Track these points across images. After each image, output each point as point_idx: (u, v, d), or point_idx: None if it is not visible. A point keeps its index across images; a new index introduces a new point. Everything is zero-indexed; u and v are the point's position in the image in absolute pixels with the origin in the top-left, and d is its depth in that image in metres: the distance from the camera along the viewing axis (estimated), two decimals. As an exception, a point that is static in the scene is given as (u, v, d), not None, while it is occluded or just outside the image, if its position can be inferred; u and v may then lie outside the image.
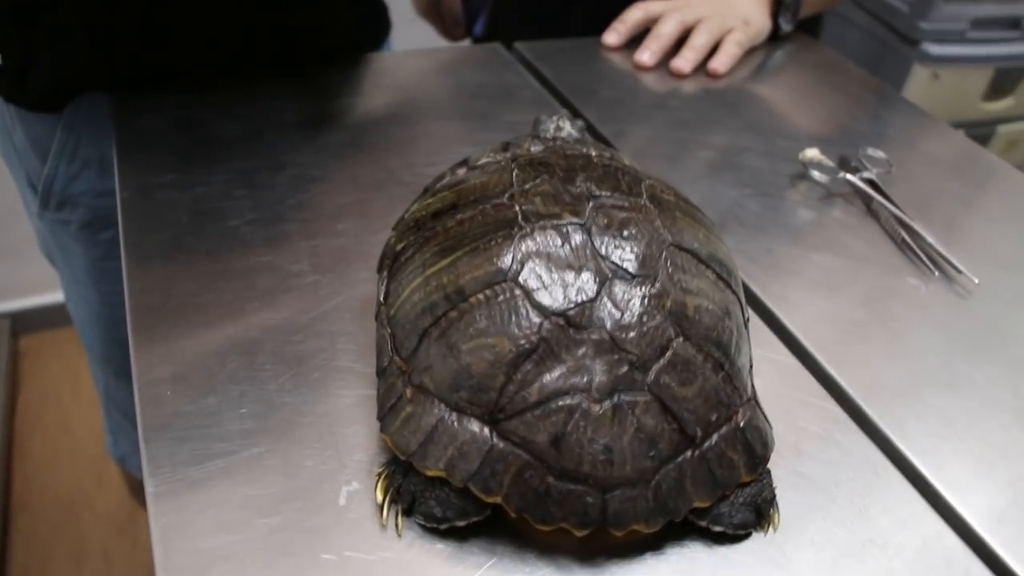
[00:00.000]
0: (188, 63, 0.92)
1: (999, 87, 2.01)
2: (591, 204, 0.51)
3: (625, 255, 0.48)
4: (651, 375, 0.46)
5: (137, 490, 1.53)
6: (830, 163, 0.85)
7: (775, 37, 1.14)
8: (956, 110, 2.01)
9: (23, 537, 1.76)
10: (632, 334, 0.46)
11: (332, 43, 1.01)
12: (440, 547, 0.48)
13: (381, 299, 0.56)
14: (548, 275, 0.47)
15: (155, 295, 0.63)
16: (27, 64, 0.88)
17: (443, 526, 0.48)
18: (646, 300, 0.47)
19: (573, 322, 0.46)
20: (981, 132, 2.05)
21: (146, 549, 1.71)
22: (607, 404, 0.45)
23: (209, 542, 0.48)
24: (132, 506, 1.81)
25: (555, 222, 0.49)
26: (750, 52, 1.10)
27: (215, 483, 0.51)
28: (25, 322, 2.19)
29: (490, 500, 0.46)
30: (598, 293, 0.47)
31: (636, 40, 1.08)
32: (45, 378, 2.11)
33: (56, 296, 2.13)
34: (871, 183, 0.83)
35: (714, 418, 0.48)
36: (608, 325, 0.46)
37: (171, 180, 0.76)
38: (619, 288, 0.47)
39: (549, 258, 0.48)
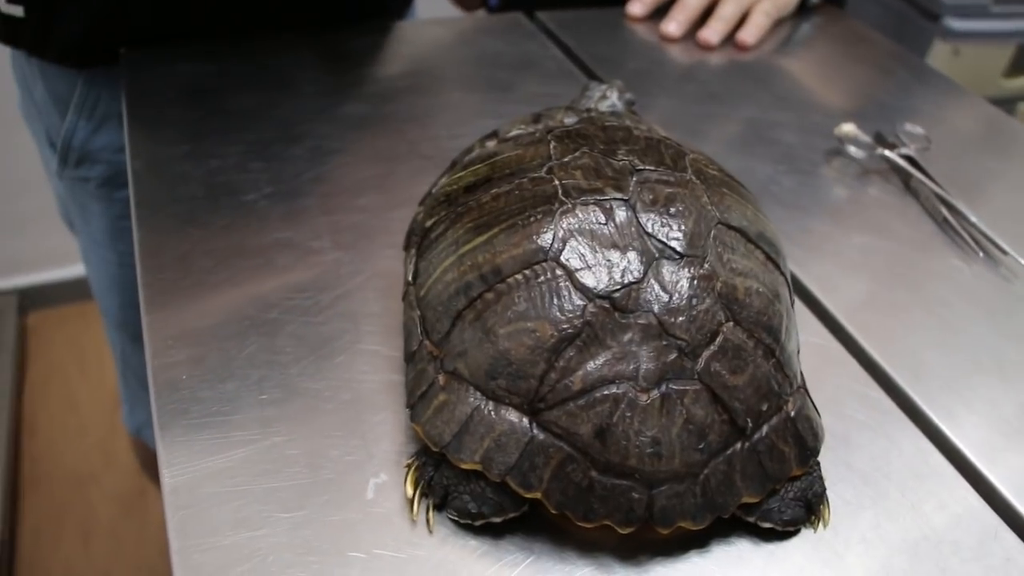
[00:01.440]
0: (212, 20, 0.90)
1: (1021, 63, 1.97)
2: (635, 179, 0.48)
3: (672, 233, 0.45)
4: (701, 362, 0.43)
5: (150, 464, 1.51)
6: (866, 138, 0.82)
7: (803, 8, 1.10)
8: (977, 86, 1.96)
9: (32, 515, 1.74)
10: (681, 318, 0.43)
11: (362, 6, 0.98)
12: (474, 544, 0.45)
13: (409, 279, 0.53)
14: (591, 254, 0.44)
15: (169, 272, 0.61)
16: (51, 17, 0.86)
17: (478, 522, 0.45)
18: (695, 282, 0.44)
19: (619, 305, 0.43)
20: (1002, 109, 2.01)
21: (155, 527, 1.71)
22: (655, 393, 0.42)
23: (229, 538, 0.45)
24: (141, 483, 1.79)
25: (598, 197, 0.46)
26: (777, 24, 1.07)
27: (235, 474, 0.48)
28: (32, 298, 2.17)
29: (529, 496, 0.43)
30: (645, 274, 0.44)
31: (660, 11, 1.04)
32: (52, 355, 2.09)
33: (63, 272, 2.12)
34: (909, 160, 0.80)
35: (765, 408, 0.45)
36: (656, 308, 0.43)
37: (184, 152, 0.73)
38: (667, 269, 0.44)
39: (592, 236, 0.45)
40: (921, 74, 1.01)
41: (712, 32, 1.00)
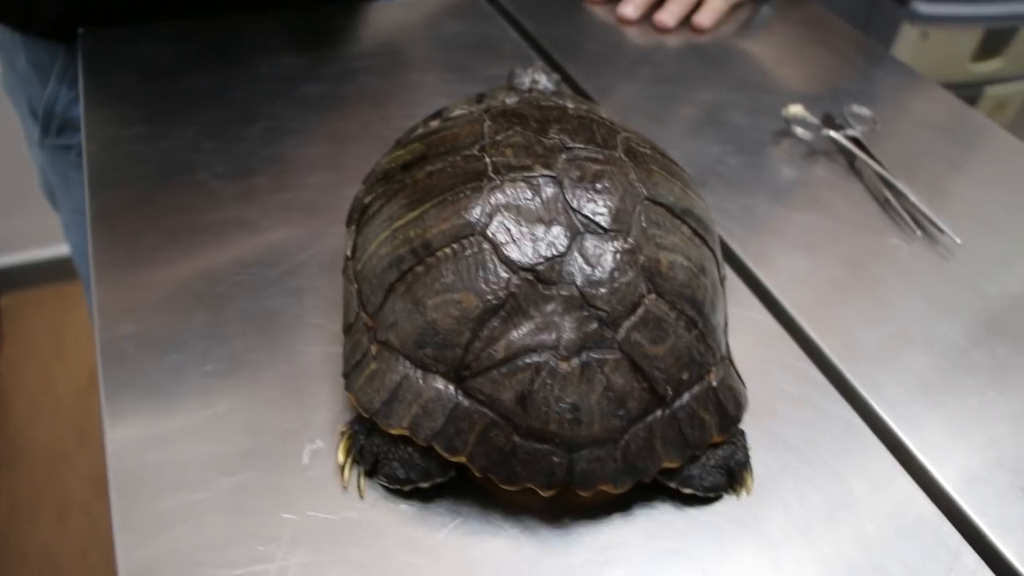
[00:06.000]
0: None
1: (988, 47, 1.99)
2: (564, 156, 0.49)
3: (597, 209, 0.47)
4: (621, 332, 0.45)
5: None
6: (814, 120, 0.83)
7: (762, -9, 1.12)
8: (945, 70, 1.99)
9: (7, 495, 1.75)
10: (603, 290, 0.45)
11: None
12: (404, 508, 0.47)
13: (348, 254, 0.54)
14: (517, 229, 0.46)
15: (120, 249, 0.62)
16: None
17: (407, 487, 0.47)
18: (618, 255, 0.46)
19: (542, 277, 0.45)
20: (970, 93, 2.03)
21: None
22: (575, 362, 0.44)
23: (169, 501, 0.47)
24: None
25: (526, 174, 0.48)
26: (736, 7, 1.08)
27: (177, 441, 0.50)
28: (6, 280, 2.17)
29: (454, 459, 0.45)
30: (568, 247, 0.46)
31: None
32: (27, 337, 2.10)
33: (39, 253, 2.12)
34: (855, 141, 0.82)
35: (685, 377, 0.47)
36: (578, 281, 0.45)
37: (139, 132, 0.74)
38: (590, 243, 0.46)
39: (519, 211, 0.47)
40: (878, 59, 1.03)
41: (668, 15, 1.01)
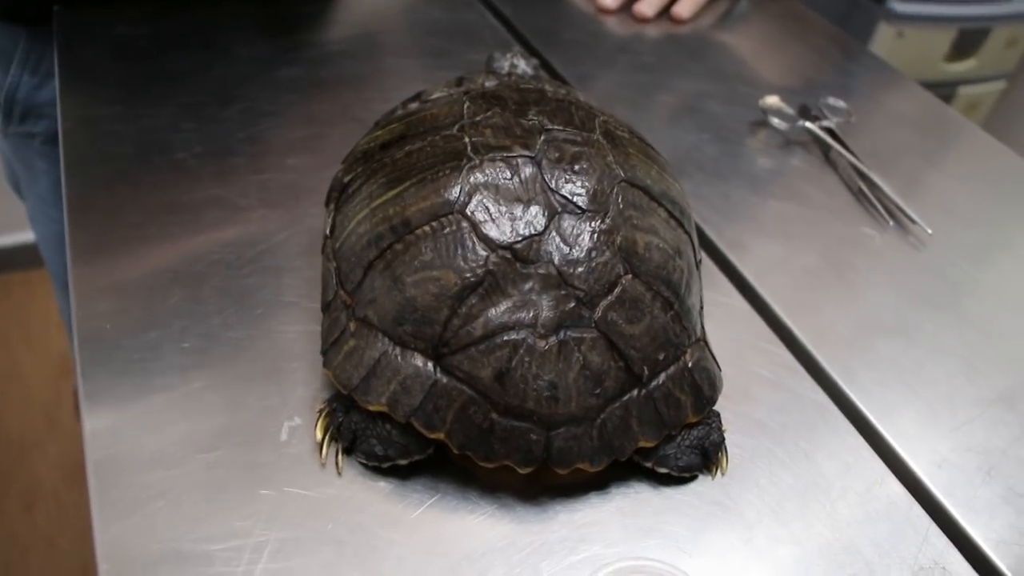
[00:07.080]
0: None
1: (962, 48, 2.01)
2: (543, 137, 0.50)
3: (575, 189, 0.48)
4: (598, 311, 0.46)
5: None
6: (790, 111, 0.84)
7: (741, -15, 1.12)
8: (919, 70, 2.00)
9: (-27, 482, 1.74)
10: (580, 269, 0.46)
11: None
12: (382, 484, 0.48)
13: (327, 232, 0.54)
14: (496, 208, 0.46)
15: (97, 227, 0.62)
16: None
17: (385, 464, 0.47)
18: (595, 235, 0.46)
19: (520, 256, 0.45)
20: (943, 93, 2.05)
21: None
22: (553, 340, 0.44)
23: (146, 477, 0.47)
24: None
25: (505, 154, 0.48)
26: (715, 0, 1.09)
27: (154, 418, 0.50)
28: (-26, 266, 2.15)
29: (433, 436, 0.45)
30: (546, 227, 0.46)
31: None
32: (-6, 323, 2.08)
33: (5, 240, 2.10)
34: (830, 132, 0.82)
35: (661, 357, 0.47)
36: (556, 259, 0.45)
37: (116, 112, 0.73)
38: (568, 222, 0.46)
39: (498, 191, 0.47)
40: (855, 54, 1.03)
41: (647, 5, 1.01)
